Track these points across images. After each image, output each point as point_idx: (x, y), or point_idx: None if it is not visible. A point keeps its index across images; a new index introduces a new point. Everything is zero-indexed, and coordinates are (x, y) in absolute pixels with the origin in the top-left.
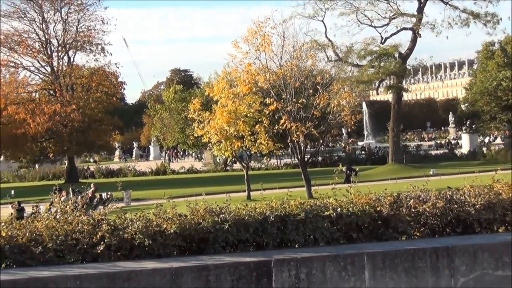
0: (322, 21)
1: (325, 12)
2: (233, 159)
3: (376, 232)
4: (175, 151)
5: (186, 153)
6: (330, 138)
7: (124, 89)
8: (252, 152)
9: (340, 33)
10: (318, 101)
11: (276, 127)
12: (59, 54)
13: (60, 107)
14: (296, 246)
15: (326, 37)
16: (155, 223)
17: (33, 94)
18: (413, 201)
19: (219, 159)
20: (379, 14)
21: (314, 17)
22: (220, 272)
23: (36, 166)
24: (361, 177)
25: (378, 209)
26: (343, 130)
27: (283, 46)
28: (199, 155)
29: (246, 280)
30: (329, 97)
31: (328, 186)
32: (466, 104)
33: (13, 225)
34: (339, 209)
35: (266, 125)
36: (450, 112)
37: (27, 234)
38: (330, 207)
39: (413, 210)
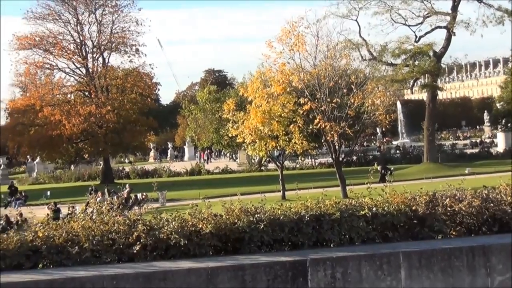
0: (356, 20)
1: (358, 11)
2: (268, 159)
3: (411, 231)
4: (208, 151)
5: (222, 153)
6: (364, 137)
7: (159, 90)
8: (287, 152)
9: (374, 32)
10: (352, 101)
11: (310, 127)
12: (94, 55)
13: (95, 108)
14: (332, 245)
15: (360, 36)
16: (190, 223)
17: (69, 96)
18: (449, 200)
19: (254, 159)
20: (413, 12)
21: (348, 17)
22: (256, 271)
23: (72, 167)
24: (396, 176)
25: (413, 208)
26: (378, 130)
27: (317, 46)
28: (233, 155)
29: (282, 280)
30: (363, 96)
31: (363, 185)
32: (501, 103)
33: (49, 225)
34: (374, 209)
35: (300, 125)
36: (485, 111)
37: (63, 234)
38: (366, 207)
39: (449, 209)
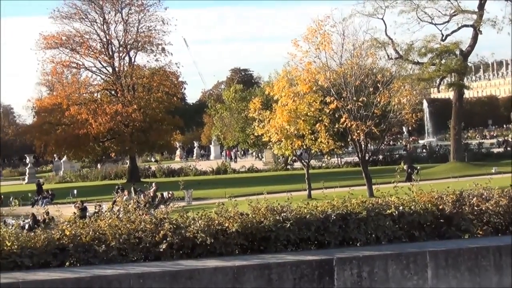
0: (382, 19)
1: (385, 10)
2: (294, 158)
3: (438, 230)
4: (233, 150)
5: (248, 152)
6: (391, 136)
7: (185, 88)
8: (313, 151)
9: (400, 30)
10: (378, 99)
11: (336, 126)
12: (120, 54)
13: (121, 107)
14: (358, 244)
15: (386, 35)
16: (217, 221)
17: (95, 95)
18: (476, 199)
19: (280, 158)
20: (439, 11)
21: (374, 15)
22: (282, 270)
23: (98, 165)
24: (423, 175)
25: (440, 207)
26: (404, 128)
27: (343, 45)
28: (259, 154)
29: (308, 279)
30: (389, 95)
31: (390, 184)
32: None
33: (76, 224)
34: (401, 208)
35: (326, 124)
36: None
37: (90, 233)
38: (392, 206)
39: (476, 208)
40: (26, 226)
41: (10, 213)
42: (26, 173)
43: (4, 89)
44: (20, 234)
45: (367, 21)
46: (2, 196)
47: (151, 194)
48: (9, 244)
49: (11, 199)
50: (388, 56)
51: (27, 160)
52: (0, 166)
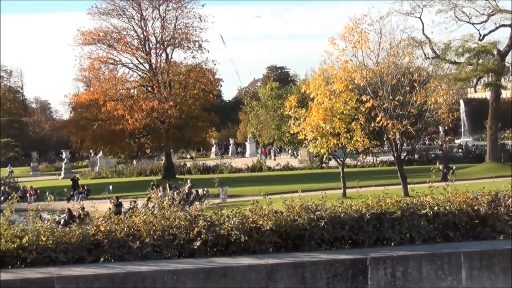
0: (420, 18)
1: (422, 9)
2: (329, 156)
3: (473, 231)
4: (273, 148)
5: (284, 150)
6: (426, 136)
7: (221, 86)
8: (348, 149)
9: (437, 30)
10: (415, 99)
11: (372, 125)
12: (157, 51)
13: (157, 103)
14: (392, 244)
15: (424, 34)
16: (251, 219)
17: (132, 91)
18: (511, 200)
19: (315, 156)
20: (477, 10)
21: (412, 14)
22: (316, 269)
23: (134, 162)
24: (458, 175)
25: (475, 207)
26: (440, 128)
27: (380, 43)
28: (294, 152)
29: (342, 278)
30: (426, 94)
31: (425, 184)
32: None
33: (111, 219)
34: (436, 208)
35: (362, 123)
36: None
37: (125, 229)
38: (427, 205)
39: (511, 209)
40: (62, 221)
41: (46, 208)
42: (62, 168)
43: (42, 84)
44: (55, 229)
45: (405, 20)
46: (38, 191)
47: (186, 191)
48: (44, 239)
49: (47, 194)
50: (425, 55)
51: (64, 155)
52: (37, 161)
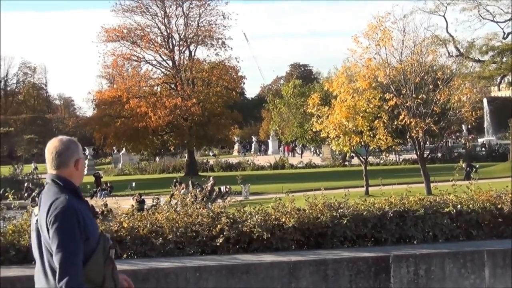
0: (443, 16)
1: (446, 7)
2: (352, 154)
3: (496, 229)
4: (291, 146)
5: (307, 148)
6: (450, 134)
7: (244, 83)
8: (371, 147)
9: (461, 28)
10: (438, 97)
11: (395, 123)
12: (181, 48)
13: (181, 101)
14: (415, 242)
15: (447, 32)
16: (273, 217)
17: (155, 88)
18: None
19: (338, 154)
20: (501, 9)
21: (435, 12)
22: (338, 266)
23: (157, 159)
24: (481, 174)
25: (499, 206)
26: (463, 127)
27: (404, 41)
28: (317, 150)
29: (364, 275)
30: (449, 92)
31: (448, 182)
32: None
33: (134, 216)
34: (459, 206)
35: (385, 121)
36: None
37: (148, 225)
38: (450, 204)
39: None
40: None
41: None
42: (85, 165)
43: (65, 81)
44: None
45: (428, 18)
46: None
47: (209, 188)
48: None
49: None
50: (448, 53)
51: (87, 152)
52: None
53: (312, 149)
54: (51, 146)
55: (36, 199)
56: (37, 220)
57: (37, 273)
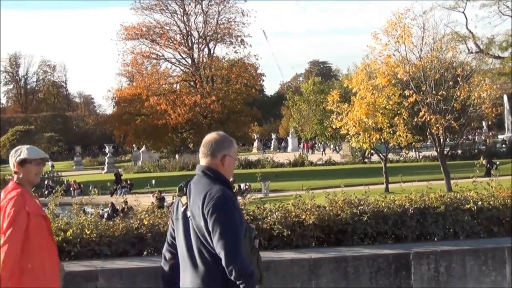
0: (463, 12)
1: (466, 3)
2: (371, 151)
3: None
4: (311, 143)
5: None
6: (470, 131)
7: (263, 80)
8: (391, 144)
9: (481, 24)
10: (458, 93)
11: (415, 119)
12: (200, 46)
13: (200, 98)
14: (435, 239)
15: (467, 28)
16: (294, 213)
17: (174, 86)
18: None
19: (357, 151)
20: None
21: (455, 9)
22: (359, 264)
23: (176, 156)
24: (502, 170)
25: None
26: (484, 123)
27: (423, 38)
28: (337, 147)
29: (385, 272)
30: (469, 89)
31: (468, 179)
32: None
33: (155, 213)
34: (479, 203)
35: (405, 117)
36: None
37: (168, 222)
38: (471, 201)
39: None
40: (105, 215)
41: (90, 202)
42: (106, 163)
43: (85, 79)
44: (99, 223)
45: (448, 14)
46: (82, 185)
47: None
48: (88, 232)
49: (90, 188)
50: (468, 50)
51: (107, 149)
52: (80, 155)
53: (332, 146)
54: (207, 138)
55: (184, 188)
56: (184, 209)
57: (182, 261)
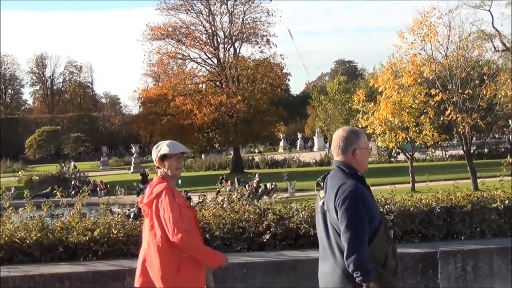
0: (489, 10)
1: (492, 2)
2: (397, 150)
3: None
4: None
5: None
6: (496, 129)
7: (289, 80)
8: (417, 143)
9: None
10: (484, 92)
11: (441, 118)
12: (225, 46)
13: (226, 98)
14: (462, 238)
15: (493, 27)
16: None
17: (200, 86)
18: None
19: (383, 150)
20: None
21: (481, 7)
22: None
23: (202, 156)
24: None
25: None
26: (510, 122)
27: (449, 36)
28: None
29: (411, 272)
30: (496, 88)
31: (495, 178)
32: None
33: None
34: (506, 201)
35: (431, 116)
36: None
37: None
38: (498, 199)
39: None
40: (131, 215)
41: (116, 202)
42: (132, 163)
43: (112, 80)
44: (125, 222)
45: (474, 12)
46: (108, 185)
47: (254, 185)
48: (115, 232)
49: (116, 188)
50: (494, 48)
51: (133, 149)
52: (107, 155)
53: None
54: (335, 137)
55: (321, 183)
56: (323, 203)
57: (322, 251)
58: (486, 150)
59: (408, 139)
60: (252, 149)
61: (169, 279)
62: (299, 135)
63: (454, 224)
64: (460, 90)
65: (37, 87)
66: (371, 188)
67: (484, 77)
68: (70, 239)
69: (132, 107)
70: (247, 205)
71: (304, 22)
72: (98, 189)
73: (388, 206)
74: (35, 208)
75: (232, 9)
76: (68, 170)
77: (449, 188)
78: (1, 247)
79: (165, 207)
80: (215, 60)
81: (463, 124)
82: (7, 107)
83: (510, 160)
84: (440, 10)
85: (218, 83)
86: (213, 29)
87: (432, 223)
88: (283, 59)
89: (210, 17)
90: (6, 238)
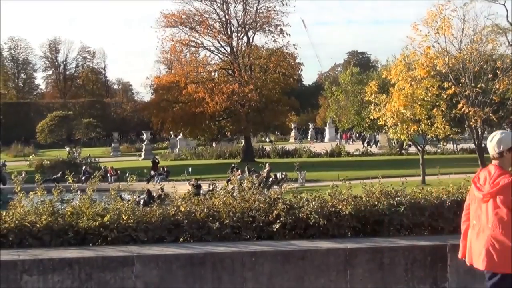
0: (504, 4)
1: None
2: (409, 143)
3: None
4: (349, 133)
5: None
6: (509, 124)
7: (302, 70)
8: (428, 136)
9: None
10: (497, 86)
11: (453, 112)
12: (239, 34)
13: (238, 87)
14: None
15: (508, 21)
16: (330, 203)
17: (213, 74)
18: None
19: (394, 143)
20: None
21: (495, 1)
22: (394, 255)
23: (213, 144)
24: None
25: None
26: None
27: (463, 30)
28: (369, 142)
29: (420, 264)
30: (509, 82)
31: None
32: None
33: (191, 200)
34: None
35: (443, 109)
36: None
37: (205, 210)
38: None
39: None
40: (141, 202)
41: (127, 188)
42: (143, 150)
43: (124, 67)
44: (136, 209)
45: (488, 6)
46: (119, 172)
47: (265, 175)
48: (125, 218)
49: (127, 174)
50: (508, 42)
51: (144, 136)
52: (118, 142)
53: (368, 137)
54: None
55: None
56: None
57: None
58: None
59: (420, 131)
60: (263, 139)
61: None
62: (311, 126)
63: None
64: (473, 84)
65: (50, 72)
66: (382, 180)
67: (497, 71)
68: (80, 224)
69: (144, 94)
70: (257, 194)
71: (318, 13)
72: (108, 175)
73: (399, 198)
74: (45, 192)
75: None
76: (79, 156)
77: (459, 182)
78: (11, 231)
79: None
80: (228, 49)
81: (475, 117)
82: (19, 91)
83: None
84: (455, 3)
85: (230, 72)
86: (226, 17)
87: (442, 216)
88: (296, 49)
89: (224, 5)
90: (17, 222)
